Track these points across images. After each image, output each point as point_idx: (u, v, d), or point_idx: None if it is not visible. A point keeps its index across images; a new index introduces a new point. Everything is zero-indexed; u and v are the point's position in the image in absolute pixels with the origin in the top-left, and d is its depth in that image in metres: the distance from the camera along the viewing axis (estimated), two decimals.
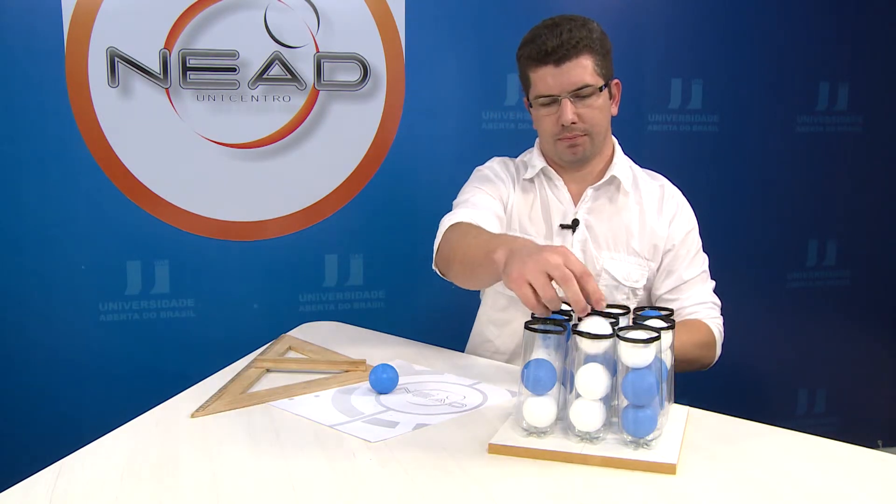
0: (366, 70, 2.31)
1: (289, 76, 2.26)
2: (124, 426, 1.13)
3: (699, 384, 1.87)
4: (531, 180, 1.62)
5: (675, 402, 1.16)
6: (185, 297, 2.29)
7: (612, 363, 1.03)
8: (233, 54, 2.22)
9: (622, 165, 1.59)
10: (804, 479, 0.96)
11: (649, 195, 1.59)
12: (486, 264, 1.19)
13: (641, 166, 1.67)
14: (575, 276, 1.02)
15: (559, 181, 1.59)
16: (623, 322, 1.11)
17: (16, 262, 2.16)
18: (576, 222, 1.56)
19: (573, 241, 1.57)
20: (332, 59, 2.29)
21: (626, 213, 1.57)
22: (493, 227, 1.46)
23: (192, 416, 1.17)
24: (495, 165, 1.65)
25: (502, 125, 1.86)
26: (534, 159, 1.62)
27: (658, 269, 1.59)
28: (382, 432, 1.11)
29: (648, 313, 1.13)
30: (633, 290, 1.57)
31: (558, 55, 1.44)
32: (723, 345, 1.61)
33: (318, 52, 2.27)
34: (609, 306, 1.16)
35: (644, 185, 1.60)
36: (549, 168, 1.60)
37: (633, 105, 2.53)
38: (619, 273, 1.56)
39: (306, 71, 2.27)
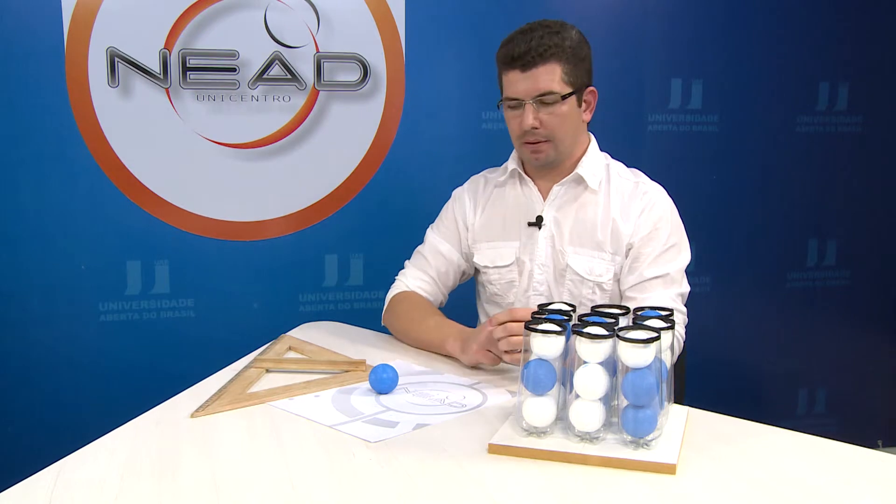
0: (366, 70, 2.31)
1: (289, 76, 2.26)
2: (124, 426, 1.13)
3: (699, 384, 1.87)
4: (503, 182, 1.67)
5: (675, 401, 1.16)
6: (185, 297, 2.29)
7: (611, 363, 1.03)
8: (233, 54, 2.22)
9: (592, 164, 1.59)
10: (804, 479, 0.96)
11: (619, 191, 1.58)
12: (440, 349, 1.51)
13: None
14: (505, 327, 1.31)
15: (529, 181, 1.63)
16: (623, 322, 1.11)
17: (16, 262, 2.16)
18: (540, 219, 1.59)
19: (539, 238, 1.60)
20: (332, 59, 2.29)
21: (591, 208, 1.58)
22: (435, 292, 1.70)
23: (192, 416, 1.17)
24: (465, 194, 1.71)
25: (502, 125, 1.85)
26: (509, 161, 1.66)
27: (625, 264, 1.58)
28: (382, 432, 1.11)
29: (648, 313, 1.13)
30: (599, 285, 1.57)
31: (524, 61, 1.46)
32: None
33: (318, 52, 2.27)
34: (608, 307, 1.16)
35: (616, 181, 1.60)
36: (520, 169, 1.64)
37: (633, 105, 2.53)
38: (582, 268, 1.57)
39: (306, 71, 2.27)
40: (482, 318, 1.76)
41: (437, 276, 1.70)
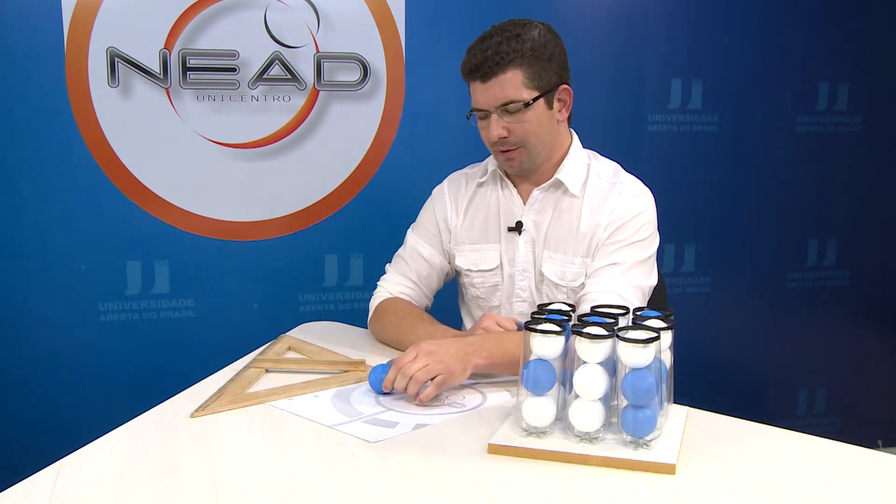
0: (366, 70, 2.31)
1: (289, 76, 2.26)
2: (124, 426, 1.13)
3: (699, 384, 1.87)
4: (485, 183, 1.63)
5: (675, 402, 1.16)
6: (185, 297, 2.29)
7: (610, 364, 1.03)
8: (233, 54, 2.21)
9: (573, 167, 1.54)
10: (804, 479, 0.96)
11: (595, 194, 1.53)
12: None
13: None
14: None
15: (509, 183, 1.59)
16: (623, 322, 1.12)
17: (16, 262, 2.16)
18: (519, 224, 1.56)
19: (519, 243, 1.57)
20: (332, 59, 2.29)
21: (570, 214, 1.53)
22: (419, 296, 1.66)
23: (192, 415, 1.17)
24: (445, 194, 1.67)
25: None
26: (489, 161, 1.63)
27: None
28: (382, 432, 1.11)
29: (648, 313, 1.13)
30: (574, 290, 1.53)
31: (482, 71, 1.43)
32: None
33: (318, 52, 2.27)
34: (607, 307, 1.16)
35: (594, 183, 1.54)
36: (500, 171, 1.60)
37: (633, 105, 2.53)
38: (554, 273, 1.53)
39: (306, 71, 2.27)
40: (465, 319, 1.73)
41: (419, 280, 1.66)
